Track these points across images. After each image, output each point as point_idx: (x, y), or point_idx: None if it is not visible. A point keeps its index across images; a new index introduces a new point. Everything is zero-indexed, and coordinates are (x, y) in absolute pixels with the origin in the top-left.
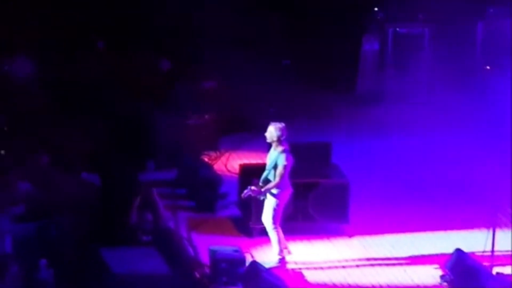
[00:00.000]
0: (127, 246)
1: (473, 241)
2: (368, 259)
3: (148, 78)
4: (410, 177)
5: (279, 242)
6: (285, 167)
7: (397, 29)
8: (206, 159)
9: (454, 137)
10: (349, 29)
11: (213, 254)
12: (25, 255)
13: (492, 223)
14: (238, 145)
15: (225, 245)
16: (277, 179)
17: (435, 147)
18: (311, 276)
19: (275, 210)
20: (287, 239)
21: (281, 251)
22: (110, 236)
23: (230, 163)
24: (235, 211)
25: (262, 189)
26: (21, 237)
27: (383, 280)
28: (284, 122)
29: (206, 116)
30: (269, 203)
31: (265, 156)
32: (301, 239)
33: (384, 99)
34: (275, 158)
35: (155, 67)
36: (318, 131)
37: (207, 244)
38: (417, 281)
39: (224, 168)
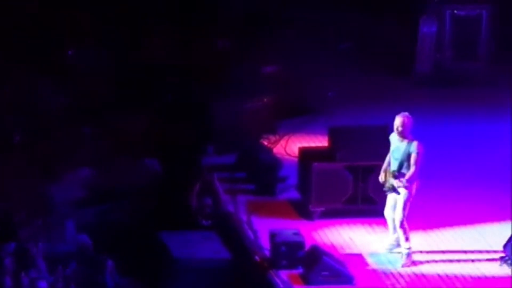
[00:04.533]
0: (187, 230)
1: None
2: (428, 241)
3: (209, 61)
4: (469, 159)
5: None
6: (420, 154)
7: (455, 11)
8: (265, 143)
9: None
10: (407, 11)
11: (273, 237)
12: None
13: None
14: (297, 129)
15: (285, 228)
16: (414, 167)
17: (494, 131)
18: (372, 260)
19: (407, 203)
20: (348, 222)
21: (409, 247)
22: (170, 220)
23: (289, 147)
24: (294, 194)
25: (405, 179)
26: (83, 222)
27: (446, 258)
28: (342, 105)
29: (265, 100)
30: (402, 197)
31: (324, 139)
32: (362, 222)
33: (442, 81)
34: (407, 148)
35: (216, 50)
36: (376, 114)
37: (267, 228)
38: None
39: (283, 152)
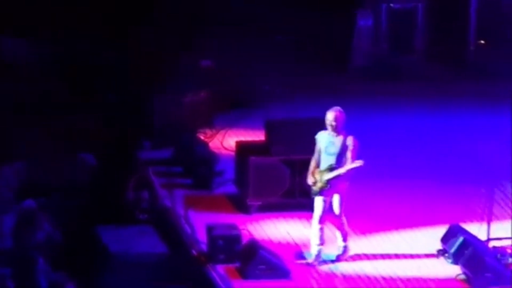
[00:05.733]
0: (124, 224)
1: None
2: (363, 231)
3: (144, 57)
4: (403, 153)
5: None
6: (356, 148)
7: (391, 4)
8: (202, 137)
9: (448, 114)
10: (343, 4)
11: (210, 231)
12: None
13: (489, 197)
14: (234, 123)
15: (222, 222)
16: (351, 161)
17: (430, 125)
18: (308, 254)
19: (344, 200)
20: (285, 216)
21: (347, 240)
22: (107, 215)
23: (226, 141)
24: (231, 188)
25: (345, 170)
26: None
27: (382, 251)
28: (279, 98)
29: (202, 94)
30: (339, 197)
31: (261, 133)
32: (299, 216)
33: (379, 75)
34: (343, 142)
35: (151, 46)
36: (313, 107)
37: (204, 222)
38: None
39: (220, 146)
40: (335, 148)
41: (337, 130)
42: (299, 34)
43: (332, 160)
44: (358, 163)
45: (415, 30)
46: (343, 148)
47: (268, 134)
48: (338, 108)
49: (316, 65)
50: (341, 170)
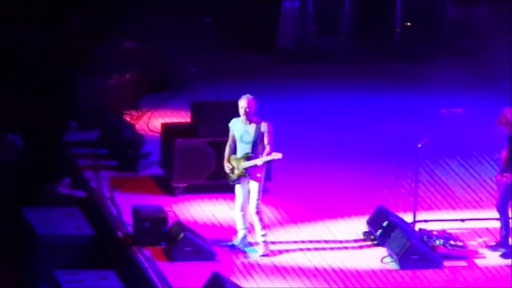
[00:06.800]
0: (50, 206)
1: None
2: (290, 215)
3: (69, 38)
4: (330, 136)
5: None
6: (271, 133)
7: None
8: (128, 119)
9: (374, 96)
10: None
11: (136, 213)
12: None
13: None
14: (159, 104)
15: (148, 204)
16: (269, 146)
17: (356, 107)
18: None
19: (261, 188)
20: (210, 198)
21: (265, 233)
22: (32, 197)
23: (152, 122)
24: (157, 170)
25: (262, 161)
26: None
27: (311, 237)
28: (204, 81)
29: (127, 76)
30: (257, 185)
31: (187, 115)
32: (224, 198)
33: (305, 57)
34: (257, 129)
35: (74, 27)
36: (238, 90)
37: (129, 204)
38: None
39: (146, 127)
40: (250, 137)
41: (249, 117)
42: (225, 16)
43: (248, 149)
44: (275, 155)
45: (341, 12)
46: (258, 136)
47: (194, 116)
48: (249, 95)
49: (242, 47)
50: (257, 161)
